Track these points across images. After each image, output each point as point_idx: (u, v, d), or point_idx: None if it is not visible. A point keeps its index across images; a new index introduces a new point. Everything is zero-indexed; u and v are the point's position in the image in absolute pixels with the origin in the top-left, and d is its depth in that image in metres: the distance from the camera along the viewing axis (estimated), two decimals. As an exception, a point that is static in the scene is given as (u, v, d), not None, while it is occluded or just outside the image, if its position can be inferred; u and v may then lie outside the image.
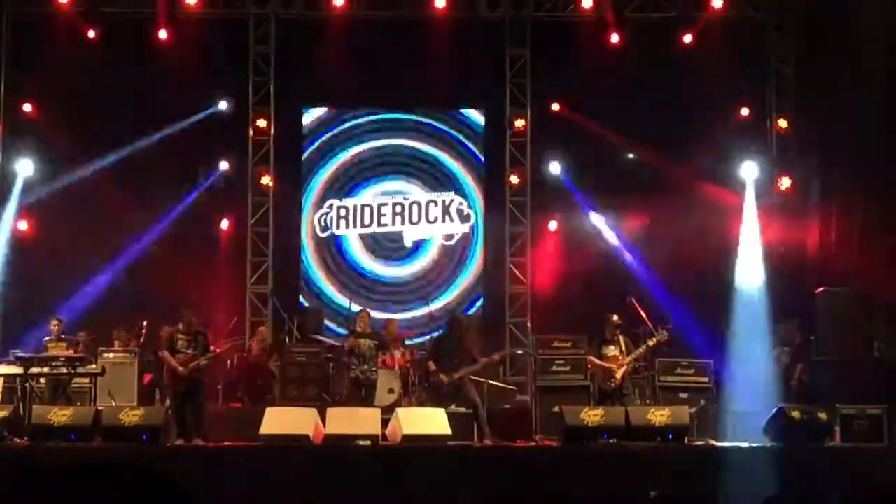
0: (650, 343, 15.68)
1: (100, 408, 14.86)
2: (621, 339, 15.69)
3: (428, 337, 18.99)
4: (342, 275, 21.26)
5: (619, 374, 15.48)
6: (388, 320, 18.97)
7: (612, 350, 15.64)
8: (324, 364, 18.06)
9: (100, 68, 19.75)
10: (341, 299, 20.61)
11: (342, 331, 19.17)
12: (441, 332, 17.00)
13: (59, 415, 14.13)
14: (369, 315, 17.19)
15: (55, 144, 19.86)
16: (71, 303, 18.46)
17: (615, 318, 15.77)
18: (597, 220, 20.70)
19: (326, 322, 20.41)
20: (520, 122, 21.01)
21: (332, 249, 21.33)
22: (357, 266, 21.29)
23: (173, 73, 19.58)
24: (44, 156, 20.05)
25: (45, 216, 19.90)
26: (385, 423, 14.82)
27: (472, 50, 20.44)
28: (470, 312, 20.69)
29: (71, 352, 16.36)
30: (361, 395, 16.29)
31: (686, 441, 14.61)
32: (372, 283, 21.23)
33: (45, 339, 16.76)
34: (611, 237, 20.63)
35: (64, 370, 15.90)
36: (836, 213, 19.39)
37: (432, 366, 15.89)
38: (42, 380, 16.25)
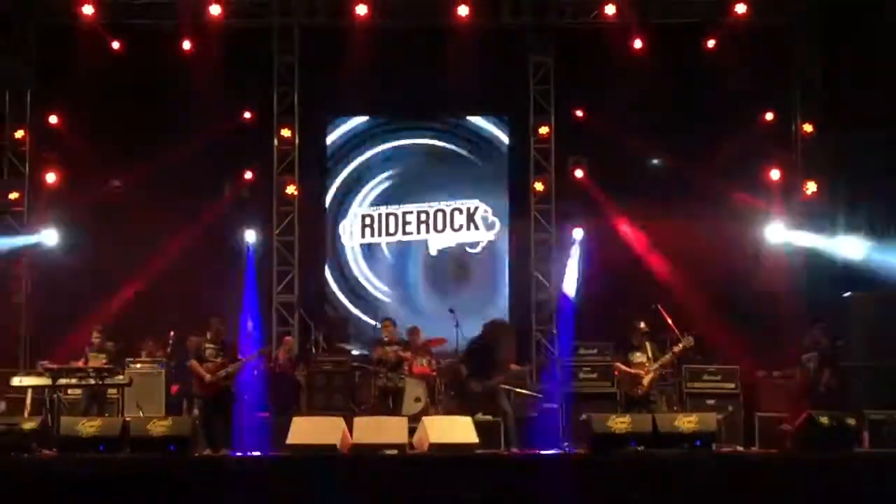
0: (676, 350, 15.64)
1: (128, 418, 14.91)
2: (648, 345, 15.66)
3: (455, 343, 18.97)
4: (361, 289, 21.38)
5: (646, 381, 15.45)
6: (413, 327, 18.98)
7: (639, 357, 15.61)
8: (350, 373, 18.09)
9: (125, 80, 19.86)
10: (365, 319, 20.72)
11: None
12: (476, 338, 16.98)
13: (88, 426, 14.17)
14: (393, 323, 17.18)
15: (81, 155, 19.95)
16: (98, 314, 18.47)
17: (643, 325, 15.74)
18: (622, 226, 20.63)
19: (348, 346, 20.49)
20: (544, 130, 21.00)
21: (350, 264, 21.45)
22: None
23: (198, 84, 19.63)
24: (70, 167, 20.16)
25: (72, 227, 19.96)
26: (412, 431, 14.81)
27: (496, 58, 20.41)
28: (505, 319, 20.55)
29: (103, 362, 16.41)
30: (389, 403, 16.30)
31: (714, 447, 14.54)
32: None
33: (87, 348, 16.79)
34: (637, 243, 20.56)
35: (92, 381, 15.96)
36: (864, 217, 19.31)
37: (464, 371, 15.95)
38: (78, 390, 16.35)
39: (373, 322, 19.24)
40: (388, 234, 21.40)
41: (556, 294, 20.64)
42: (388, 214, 21.43)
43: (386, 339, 16.77)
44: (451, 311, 19.74)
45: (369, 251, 21.55)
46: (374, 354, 17.14)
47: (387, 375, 16.38)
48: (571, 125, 20.91)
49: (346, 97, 21.14)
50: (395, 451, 14.20)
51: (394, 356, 16.48)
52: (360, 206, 21.53)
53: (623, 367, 15.72)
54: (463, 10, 19.82)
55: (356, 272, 21.49)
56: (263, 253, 20.61)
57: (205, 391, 15.41)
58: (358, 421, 14.84)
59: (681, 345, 15.66)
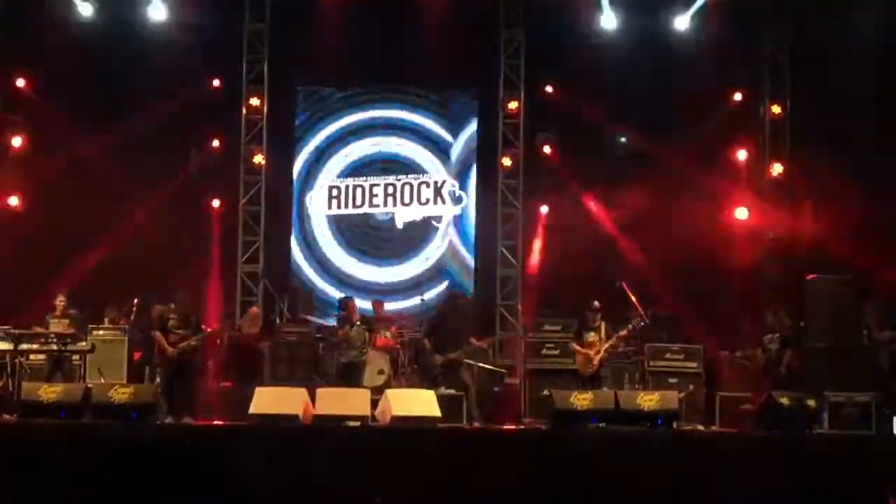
0: (622, 333, 15.75)
1: (89, 385, 14.85)
2: (602, 325, 15.68)
3: (421, 319, 18.97)
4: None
5: (595, 361, 15.50)
6: (376, 301, 18.95)
7: (591, 336, 15.66)
8: (314, 344, 18.07)
9: (93, 45, 19.70)
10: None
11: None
12: (437, 312, 16.98)
13: (49, 391, 14.11)
14: (355, 304, 17.06)
15: (47, 120, 19.80)
16: (62, 279, 18.36)
17: (596, 303, 15.78)
18: (589, 203, 20.65)
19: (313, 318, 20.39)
20: (513, 105, 20.98)
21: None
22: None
23: (167, 50, 19.52)
24: (35, 131, 20.03)
25: (36, 192, 19.85)
26: (375, 403, 14.82)
27: (467, 31, 20.39)
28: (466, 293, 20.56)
29: (71, 329, 16.36)
30: (350, 378, 16.25)
31: (675, 426, 14.62)
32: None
33: (48, 314, 16.72)
34: (602, 221, 20.59)
35: (54, 347, 15.89)
36: (829, 199, 19.40)
37: (428, 344, 15.95)
38: (40, 356, 16.27)
39: (338, 294, 19.20)
40: (354, 206, 21.34)
41: (521, 269, 20.69)
42: (355, 186, 21.37)
43: (350, 317, 16.65)
44: (422, 299, 19.75)
45: (335, 222, 21.46)
46: (338, 334, 16.98)
47: (349, 353, 16.29)
48: (541, 101, 20.91)
49: (315, 67, 21.04)
50: (357, 423, 14.22)
51: (357, 337, 16.41)
52: (327, 177, 21.45)
53: (577, 348, 15.76)
54: (436, -18, 19.81)
55: (322, 244, 21.41)
56: (230, 222, 20.55)
57: (167, 362, 15.37)
58: (321, 392, 14.84)
59: (627, 326, 15.78)
